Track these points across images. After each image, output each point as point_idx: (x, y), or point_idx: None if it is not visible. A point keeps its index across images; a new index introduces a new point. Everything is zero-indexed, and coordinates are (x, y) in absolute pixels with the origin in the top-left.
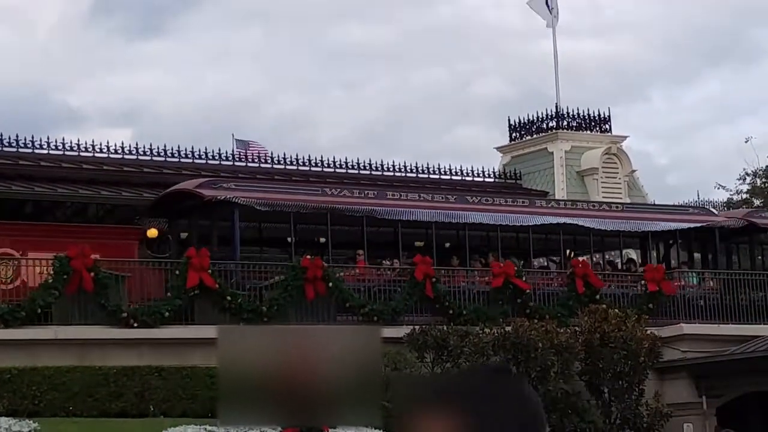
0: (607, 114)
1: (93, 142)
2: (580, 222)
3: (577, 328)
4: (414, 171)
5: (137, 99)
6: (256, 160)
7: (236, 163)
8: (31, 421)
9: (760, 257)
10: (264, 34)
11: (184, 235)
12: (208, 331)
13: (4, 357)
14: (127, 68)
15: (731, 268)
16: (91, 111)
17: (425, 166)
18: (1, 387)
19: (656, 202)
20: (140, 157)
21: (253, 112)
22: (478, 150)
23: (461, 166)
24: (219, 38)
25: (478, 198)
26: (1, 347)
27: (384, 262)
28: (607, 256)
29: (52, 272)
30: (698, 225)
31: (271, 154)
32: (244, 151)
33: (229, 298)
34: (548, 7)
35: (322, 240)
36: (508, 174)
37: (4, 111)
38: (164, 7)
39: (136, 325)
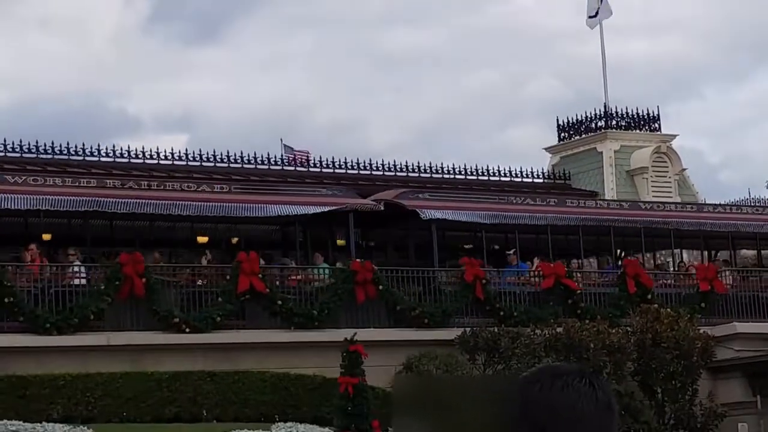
0: (656, 113)
1: (144, 148)
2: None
3: (629, 328)
4: (462, 173)
5: (192, 105)
6: (304, 164)
7: (285, 168)
8: (86, 428)
9: (450, 246)
10: (316, 40)
11: None
12: (259, 336)
13: (57, 364)
14: (183, 75)
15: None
16: (146, 118)
17: (474, 167)
18: (55, 393)
19: (706, 201)
20: (190, 163)
21: (305, 117)
22: (530, 151)
23: (510, 167)
24: (272, 45)
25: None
26: (55, 354)
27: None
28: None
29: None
30: (326, 209)
31: (317, 158)
32: (291, 156)
33: (279, 302)
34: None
35: None
36: (557, 174)
37: (63, 119)
38: (219, 14)
39: (187, 330)
